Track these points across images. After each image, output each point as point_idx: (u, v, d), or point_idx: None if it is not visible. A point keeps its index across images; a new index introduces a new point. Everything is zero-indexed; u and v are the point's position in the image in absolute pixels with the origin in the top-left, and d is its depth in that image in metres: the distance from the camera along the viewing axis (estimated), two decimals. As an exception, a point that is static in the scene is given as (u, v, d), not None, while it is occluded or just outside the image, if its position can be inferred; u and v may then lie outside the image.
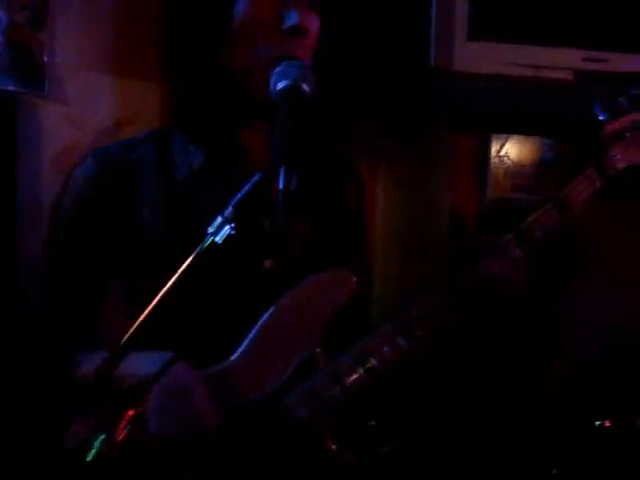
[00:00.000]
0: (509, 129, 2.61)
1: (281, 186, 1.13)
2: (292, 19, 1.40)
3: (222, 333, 1.41)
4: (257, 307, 1.41)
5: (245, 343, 1.40)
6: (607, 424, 2.30)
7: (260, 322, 1.41)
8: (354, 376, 1.39)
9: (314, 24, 1.45)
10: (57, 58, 2.17)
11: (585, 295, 2.46)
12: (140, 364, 1.28)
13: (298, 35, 1.42)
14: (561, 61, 2.18)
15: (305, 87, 1.28)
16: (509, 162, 2.70)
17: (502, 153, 2.70)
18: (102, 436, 1.14)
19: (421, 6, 2.12)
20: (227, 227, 1.17)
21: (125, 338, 1.13)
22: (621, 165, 1.60)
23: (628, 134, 1.60)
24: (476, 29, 2.13)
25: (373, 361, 1.40)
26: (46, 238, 1.57)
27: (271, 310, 1.41)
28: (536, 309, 1.54)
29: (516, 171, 2.71)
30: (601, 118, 1.63)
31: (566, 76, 2.18)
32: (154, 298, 1.15)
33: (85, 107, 2.27)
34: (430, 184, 2.65)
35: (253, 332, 1.40)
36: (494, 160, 2.69)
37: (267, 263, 1.47)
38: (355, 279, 1.43)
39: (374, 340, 1.42)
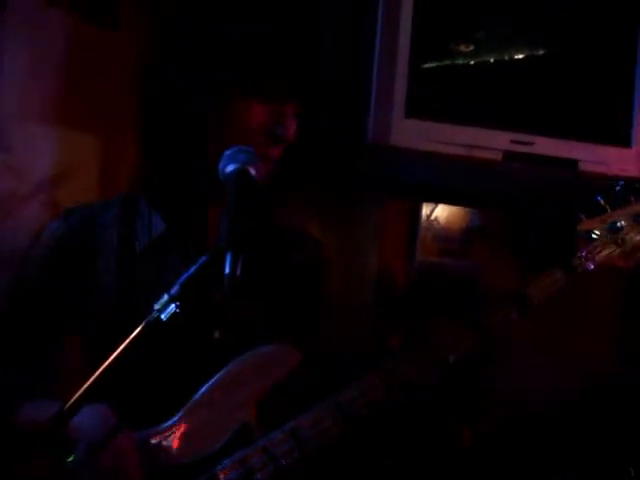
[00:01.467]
0: (440, 199, 2.71)
1: (227, 271, 1.18)
2: (282, 129, 1.49)
3: (169, 397, 1.45)
4: (205, 375, 1.46)
5: (184, 409, 1.45)
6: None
7: (200, 390, 1.45)
8: (287, 453, 1.43)
9: (294, 131, 1.53)
10: (0, 108, 2.19)
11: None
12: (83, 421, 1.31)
13: (281, 144, 1.51)
14: (491, 142, 2.28)
15: (252, 171, 1.34)
16: (438, 226, 2.80)
17: (432, 217, 2.79)
18: None
19: (359, 85, 2.21)
20: (172, 305, 1.21)
21: (75, 396, 1.18)
22: (591, 267, 1.54)
23: (599, 233, 1.55)
24: (413, 108, 2.22)
25: (307, 441, 1.43)
26: (13, 287, 1.61)
27: (211, 380, 1.46)
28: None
29: (444, 235, 2.80)
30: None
31: (495, 156, 2.28)
32: (108, 356, 1.19)
33: (27, 156, 2.29)
34: (360, 245, 2.73)
35: (193, 398, 1.45)
36: (424, 224, 2.78)
37: (217, 333, 1.52)
38: (300, 355, 1.48)
39: (310, 417, 1.45)
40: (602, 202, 1.57)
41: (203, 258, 1.23)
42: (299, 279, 1.67)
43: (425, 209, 2.78)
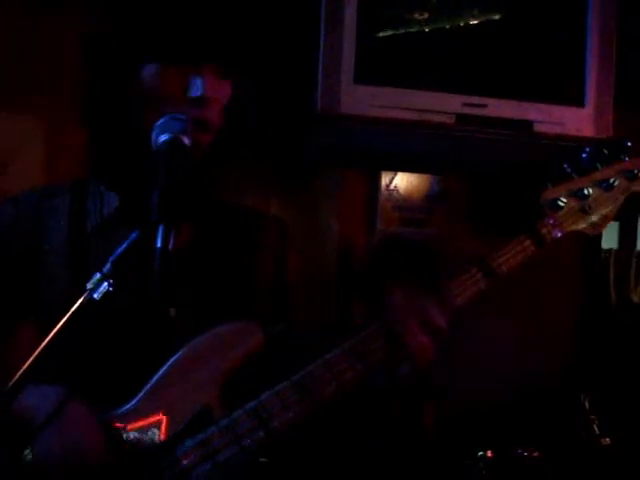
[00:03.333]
0: (397, 167, 2.68)
1: (159, 244, 1.14)
2: (196, 90, 1.41)
3: (126, 380, 1.41)
4: (162, 355, 1.42)
5: (144, 390, 1.40)
6: (489, 454, 2.38)
7: (160, 370, 1.41)
8: (252, 434, 1.38)
9: (222, 91, 1.46)
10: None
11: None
12: (35, 398, 1.31)
13: (202, 105, 1.42)
14: (442, 105, 2.25)
15: (186, 140, 1.29)
16: (398, 195, 2.77)
17: (391, 187, 2.76)
18: None
19: (307, 51, 2.16)
20: (105, 284, 1.17)
21: (15, 378, 1.14)
22: (558, 235, 1.50)
23: (565, 201, 1.51)
24: (362, 73, 2.18)
25: (272, 418, 1.39)
26: None
27: (171, 359, 1.42)
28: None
29: (404, 204, 2.77)
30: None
31: (448, 120, 2.25)
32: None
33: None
34: (320, 218, 2.69)
35: (153, 379, 1.41)
36: (383, 193, 2.75)
37: (172, 311, 1.47)
38: (262, 332, 1.43)
39: (273, 395, 1.40)
40: (568, 169, 1.53)
41: (134, 234, 1.19)
42: (264, 259, 1.62)
43: (384, 178, 2.75)
